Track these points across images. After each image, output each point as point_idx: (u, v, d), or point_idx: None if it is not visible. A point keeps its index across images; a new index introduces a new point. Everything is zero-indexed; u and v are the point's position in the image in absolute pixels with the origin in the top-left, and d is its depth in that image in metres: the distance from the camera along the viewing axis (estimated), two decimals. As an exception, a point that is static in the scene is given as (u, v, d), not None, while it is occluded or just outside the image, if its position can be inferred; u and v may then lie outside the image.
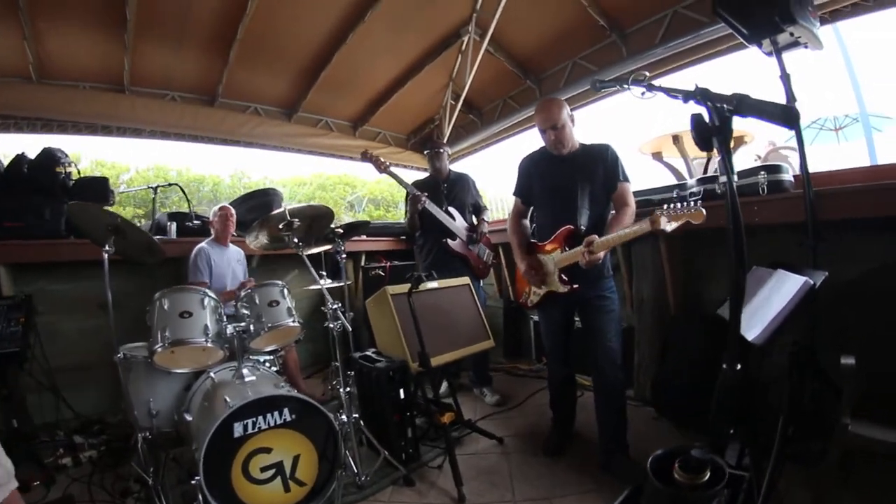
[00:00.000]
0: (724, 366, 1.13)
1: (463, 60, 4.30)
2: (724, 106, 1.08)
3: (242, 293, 2.44)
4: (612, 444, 2.21)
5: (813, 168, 2.36)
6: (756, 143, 4.27)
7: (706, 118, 1.10)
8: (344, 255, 2.70)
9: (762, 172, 2.29)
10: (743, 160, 3.90)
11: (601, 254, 2.00)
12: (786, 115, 1.10)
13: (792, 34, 1.80)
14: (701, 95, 1.11)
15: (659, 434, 2.56)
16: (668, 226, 1.74)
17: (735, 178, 2.29)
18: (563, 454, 2.43)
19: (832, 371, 1.53)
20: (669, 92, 1.21)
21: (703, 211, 1.71)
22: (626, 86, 1.29)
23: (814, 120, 6.26)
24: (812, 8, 1.99)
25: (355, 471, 2.18)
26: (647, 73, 1.23)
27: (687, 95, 1.15)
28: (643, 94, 1.25)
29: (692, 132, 1.11)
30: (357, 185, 13.12)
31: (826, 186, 2.02)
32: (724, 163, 1.11)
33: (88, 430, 2.85)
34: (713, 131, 1.09)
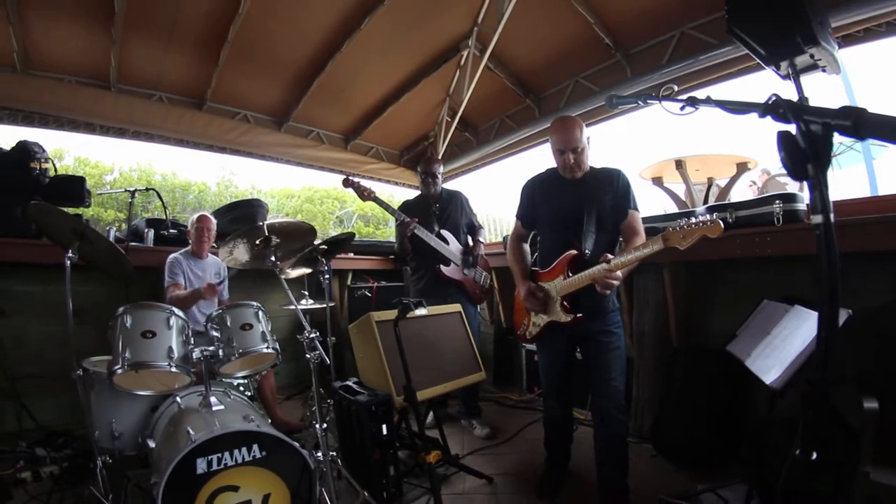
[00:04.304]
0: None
1: (461, 76, 4.17)
2: (832, 122, 0.79)
3: (214, 313, 2.25)
4: (612, 490, 2.06)
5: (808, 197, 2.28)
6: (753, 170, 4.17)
7: (799, 139, 0.82)
8: (328, 276, 2.52)
9: (777, 202, 2.17)
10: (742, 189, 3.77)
11: (619, 274, 1.84)
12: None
13: (812, 56, 1.69)
14: (789, 109, 0.83)
15: (659, 474, 2.42)
16: (683, 243, 1.63)
17: (783, 207, 2.13)
18: (558, 497, 2.26)
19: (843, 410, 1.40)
20: (728, 106, 0.94)
21: (721, 223, 1.58)
22: (650, 101, 1.03)
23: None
24: (831, 30, 1.89)
25: (332, 510, 2.00)
26: (675, 87, 0.97)
27: (766, 109, 0.86)
28: (682, 108, 0.98)
29: (781, 156, 0.84)
30: (347, 201, 12.54)
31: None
32: (819, 198, 0.83)
33: (52, 443, 2.63)
34: (810, 156, 0.81)
